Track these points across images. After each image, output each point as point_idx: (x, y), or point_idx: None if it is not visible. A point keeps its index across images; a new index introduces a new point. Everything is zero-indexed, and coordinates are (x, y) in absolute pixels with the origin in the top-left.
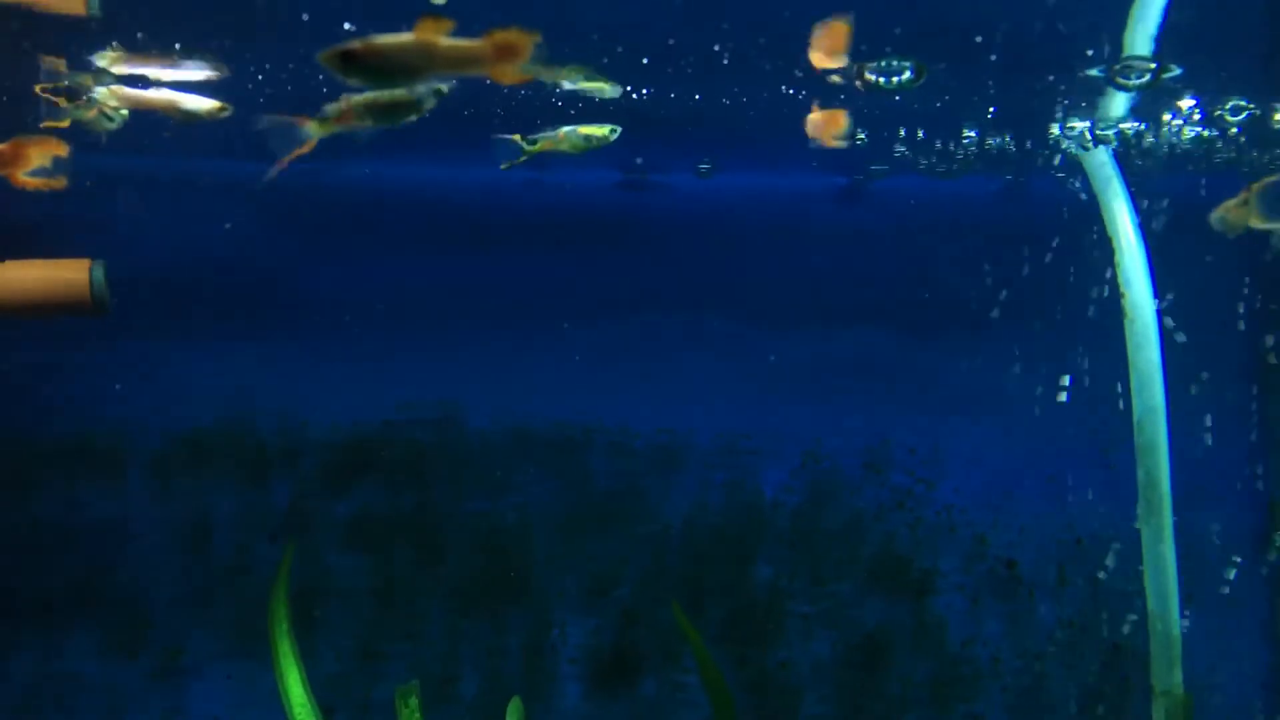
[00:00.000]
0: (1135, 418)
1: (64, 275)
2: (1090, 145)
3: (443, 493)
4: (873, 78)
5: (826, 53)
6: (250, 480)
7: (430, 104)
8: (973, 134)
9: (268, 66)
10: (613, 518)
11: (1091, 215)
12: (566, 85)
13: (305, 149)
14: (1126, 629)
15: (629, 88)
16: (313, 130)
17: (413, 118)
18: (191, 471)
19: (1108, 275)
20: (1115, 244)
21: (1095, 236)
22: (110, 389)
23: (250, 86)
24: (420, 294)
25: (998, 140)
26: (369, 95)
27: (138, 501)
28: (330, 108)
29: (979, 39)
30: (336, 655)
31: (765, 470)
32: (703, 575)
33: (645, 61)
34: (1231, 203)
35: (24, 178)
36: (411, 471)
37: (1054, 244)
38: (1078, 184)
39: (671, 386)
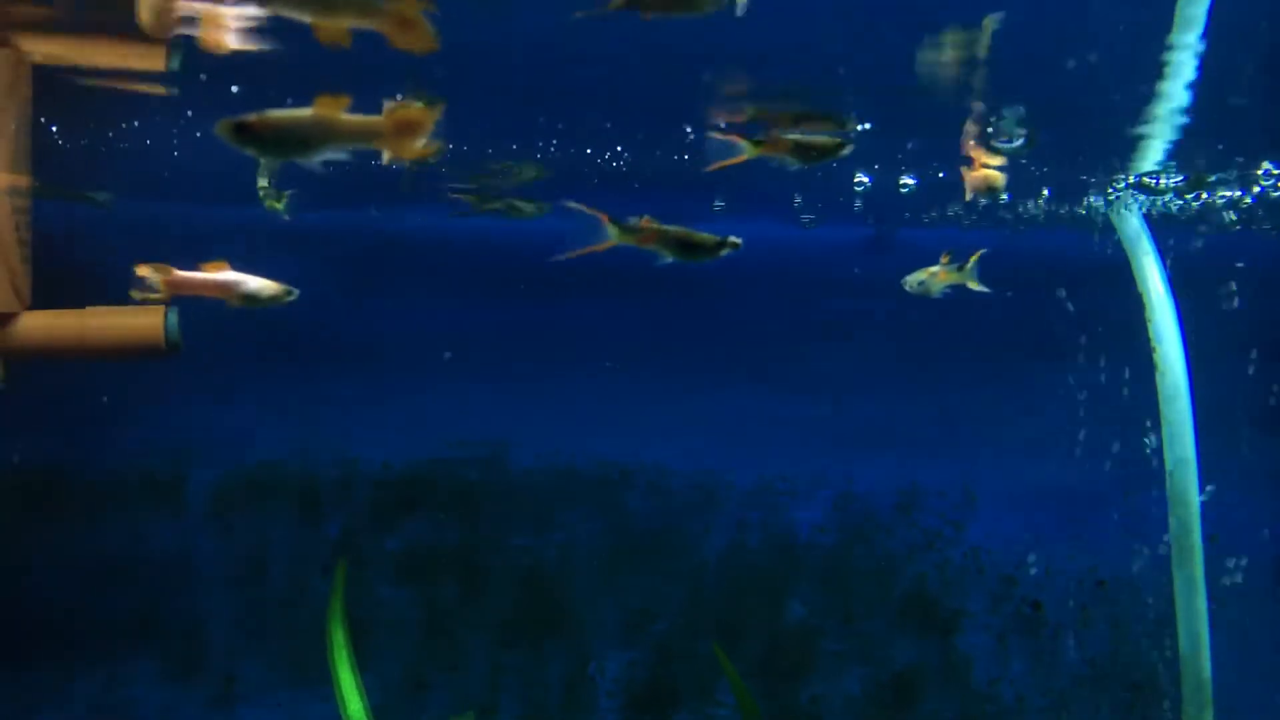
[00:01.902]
0: (1167, 468)
1: (141, 321)
2: (1122, 204)
3: (488, 528)
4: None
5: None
6: (304, 515)
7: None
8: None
9: None
10: (651, 554)
11: (1118, 270)
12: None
13: (601, 247)
14: (1149, 669)
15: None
16: (612, 234)
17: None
18: (248, 506)
19: (1136, 328)
20: (1146, 300)
21: (1124, 292)
22: (172, 427)
23: None
24: (469, 337)
25: (1036, 196)
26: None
27: (196, 535)
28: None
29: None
30: (383, 686)
31: (799, 510)
32: (737, 611)
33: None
34: (934, 269)
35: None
36: (458, 507)
37: (1081, 296)
38: (1097, 239)
39: (709, 428)
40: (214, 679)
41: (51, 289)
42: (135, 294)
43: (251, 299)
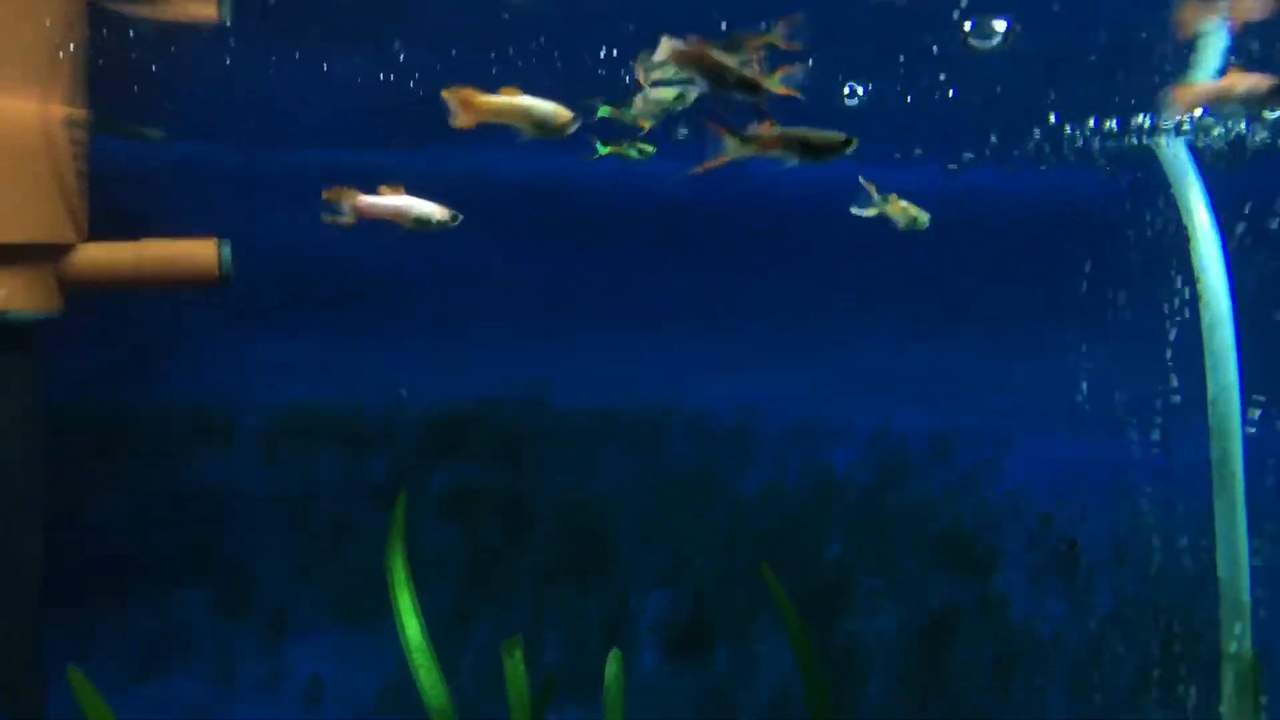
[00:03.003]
0: (1210, 397)
1: (196, 252)
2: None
3: (531, 468)
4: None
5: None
6: (351, 454)
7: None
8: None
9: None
10: (690, 495)
11: (1153, 208)
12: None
13: (721, 161)
14: (1187, 603)
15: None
16: (731, 147)
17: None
18: (296, 445)
19: (1176, 267)
20: (1191, 231)
21: (1163, 228)
22: (224, 366)
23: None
24: (515, 281)
25: (1073, 131)
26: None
27: (246, 472)
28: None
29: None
30: (429, 619)
31: (836, 451)
32: (775, 551)
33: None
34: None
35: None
36: (502, 448)
37: (1119, 236)
38: (1125, 178)
39: (748, 371)
40: (265, 612)
41: (103, 228)
42: (325, 218)
43: (423, 222)
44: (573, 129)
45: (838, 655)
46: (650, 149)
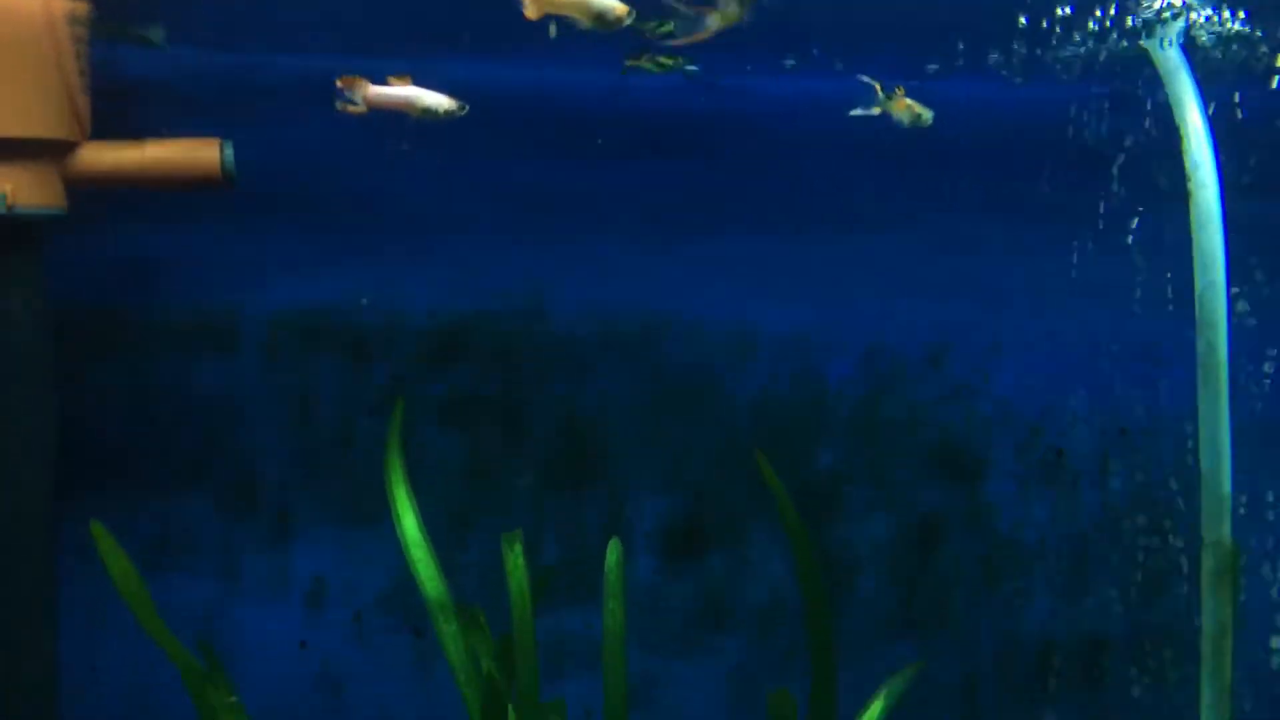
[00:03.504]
0: (1197, 292)
1: (199, 153)
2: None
3: (529, 377)
4: None
5: None
6: (351, 361)
7: None
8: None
9: None
10: (686, 403)
11: (1136, 112)
12: None
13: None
14: (1170, 507)
15: None
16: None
17: None
18: (297, 351)
19: (1164, 173)
20: (1183, 130)
21: (1150, 132)
22: (224, 271)
23: None
24: (516, 191)
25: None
26: None
27: (247, 377)
28: None
29: None
30: (428, 522)
31: (830, 361)
32: (769, 459)
33: None
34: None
35: None
36: (500, 357)
37: (1108, 143)
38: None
39: (745, 280)
40: (268, 515)
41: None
42: (339, 105)
43: (431, 112)
44: (628, 22)
45: (830, 560)
46: (675, 61)
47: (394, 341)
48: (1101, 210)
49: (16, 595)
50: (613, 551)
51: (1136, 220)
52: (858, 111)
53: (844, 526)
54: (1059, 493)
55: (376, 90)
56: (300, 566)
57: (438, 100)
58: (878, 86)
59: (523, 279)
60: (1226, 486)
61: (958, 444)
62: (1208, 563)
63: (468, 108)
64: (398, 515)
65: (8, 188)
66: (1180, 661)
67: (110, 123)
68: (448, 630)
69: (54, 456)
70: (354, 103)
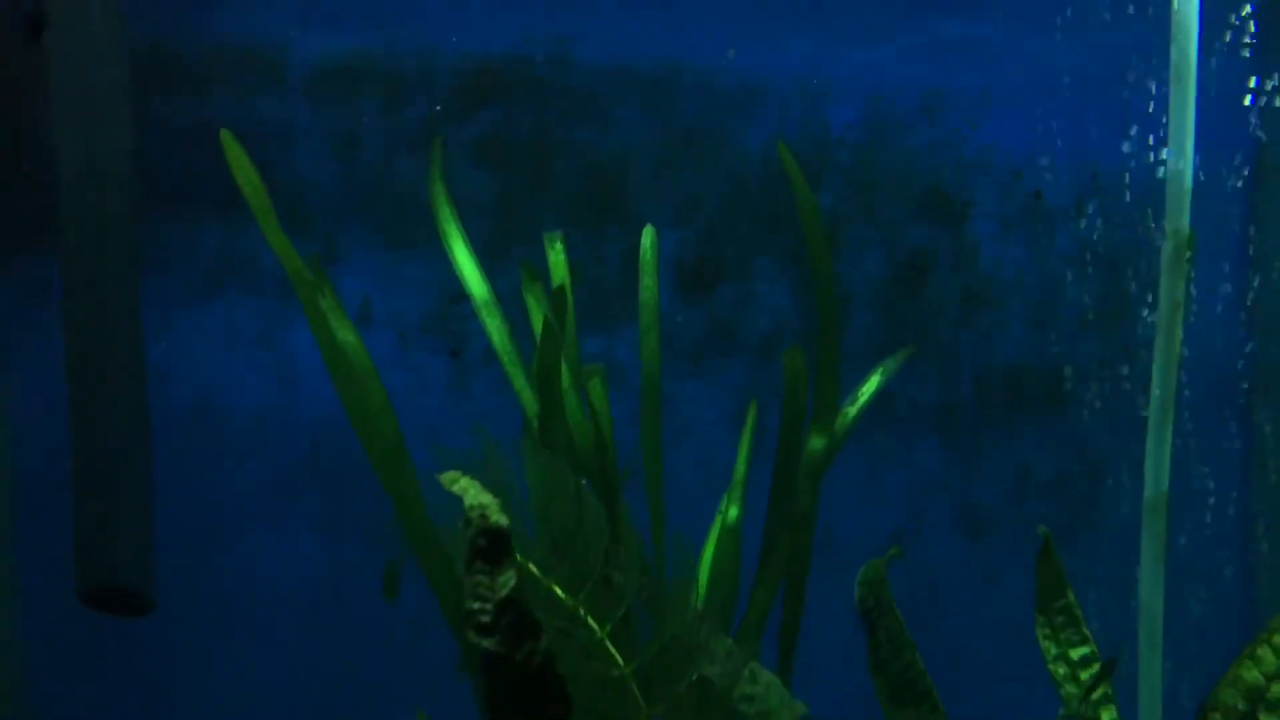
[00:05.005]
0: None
1: None
2: None
3: (554, 121)
4: None
5: None
6: (390, 101)
7: None
8: None
9: None
10: (698, 149)
11: None
12: None
13: None
14: (1134, 250)
15: None
16: None
17: None
18: (342, 87)
19: None
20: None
21: None
22: (275, 6)
23: None
24: None
25: None
26: None
27: (295, 109)
28: None
29: None
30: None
31: (833, 110)
32: (775, 202)
33: None
34: None
35: None
36: (528, 100)
37: None
38: None
39: (754, 29)
40: (318, 239)
41: None
42: None
43: None
44: None
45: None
46: None
47: (428, 82)
48: None
49: (111, 293)
50: (647, 235)
51: None
52: None
53: (841, 263)
54: (1037, 230)
55: None
56: (349, 286)
57: None
58: None
59: (549, 24)
60: (1188, 182)
61: (945, 187)
62: (1166, 250)
63: None
64: (443, 229)
65: None
66: (1137, 376)
67: None
68: (491, 324)
69: (133, 179)
70: None
